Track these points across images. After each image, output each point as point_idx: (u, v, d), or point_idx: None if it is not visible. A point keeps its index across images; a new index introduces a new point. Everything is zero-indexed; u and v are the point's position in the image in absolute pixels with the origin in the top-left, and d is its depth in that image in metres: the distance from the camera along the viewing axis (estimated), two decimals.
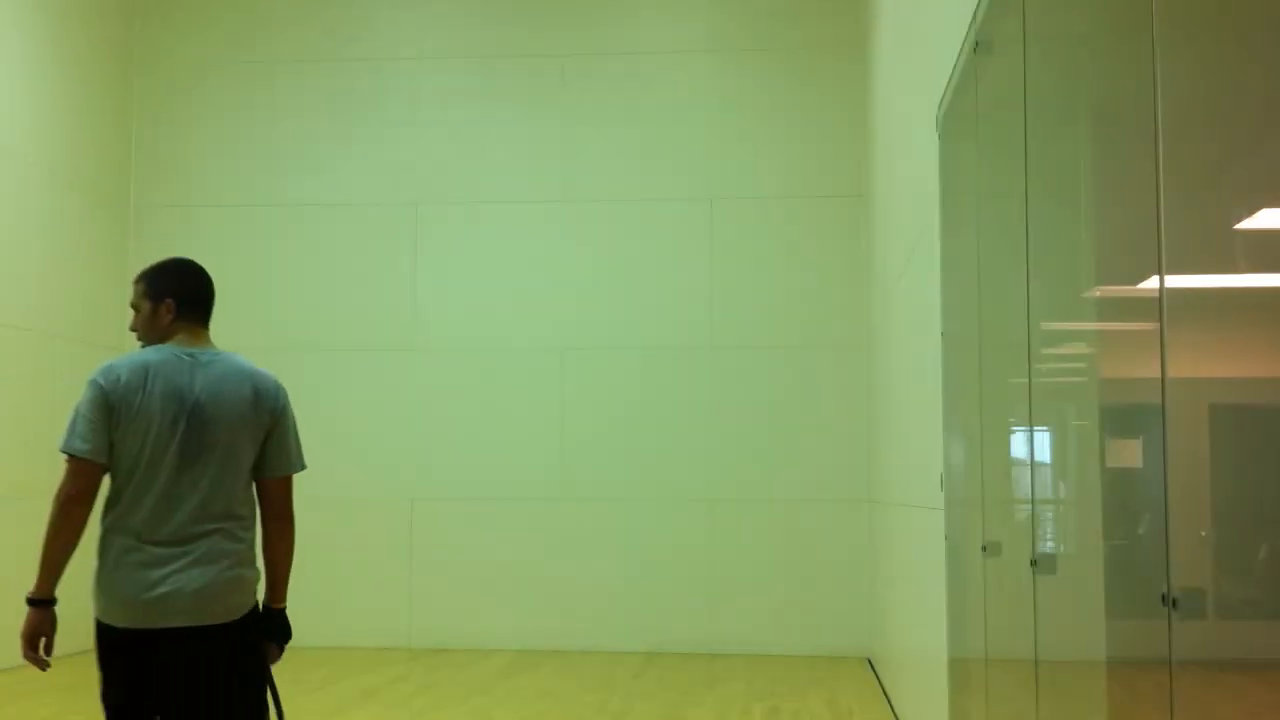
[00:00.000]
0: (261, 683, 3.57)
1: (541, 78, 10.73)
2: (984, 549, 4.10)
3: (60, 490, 3.47)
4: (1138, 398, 2.62)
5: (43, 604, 3.63)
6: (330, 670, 9.11)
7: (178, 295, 3.71)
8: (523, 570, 10.29)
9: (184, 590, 3.38)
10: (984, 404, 4.32)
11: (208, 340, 3.73)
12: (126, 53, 10.93)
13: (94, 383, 3.41)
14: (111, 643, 3.53)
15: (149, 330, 3.65)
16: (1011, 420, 3.91)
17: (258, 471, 3.56)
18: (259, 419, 3.57)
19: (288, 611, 3.68)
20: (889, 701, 7.86)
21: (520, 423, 10.43)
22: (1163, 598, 2.25)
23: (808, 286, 10.36)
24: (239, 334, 10.90)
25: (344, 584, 10.42)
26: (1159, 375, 2.27)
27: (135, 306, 3.70)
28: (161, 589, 3.40)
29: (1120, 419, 2.85)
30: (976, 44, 4.17)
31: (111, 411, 3.39)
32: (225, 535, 3.45)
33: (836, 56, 10.48)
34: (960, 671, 4.93)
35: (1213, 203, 2.24)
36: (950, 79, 4.81)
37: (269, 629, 3.61)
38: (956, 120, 4.85)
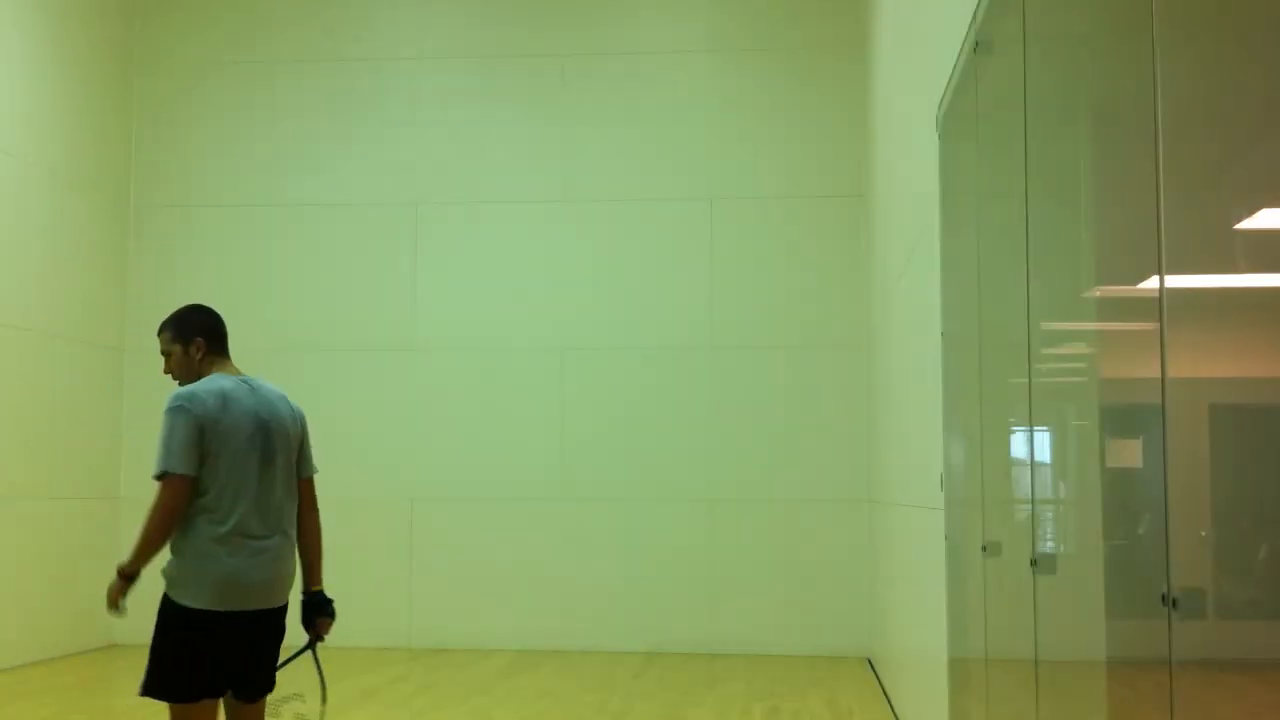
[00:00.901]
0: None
1: (541, 78, 10.73)
2: (984, 549, 4.10)
3: (164, 502, 4.00)
4: (1138, 398, 2.62)
5: (131, 578, 4.17)
6: (330, 670, 9.09)
7: (205, 334, 4.31)
8: (523, 570, 10.29)
9: (268, 578, 4.06)
10: (984, 404, 4.32)
11: (235, 368, 4.31)
12: (127, 53, 10.93)
13: (183, 409, 4.04)
14: (193, 622, 4.02)
15: (185, 370, 4.30)
16: (1011, 420, 3.91)
17: (297, 473, 4.26)
18: (295, 431, 4.25)
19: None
20: (889, 701, 7.86)
21: (520, 423, 10.43)
22: (1163, 598, 2.25)
23: (808, 286, 10.36)
24: (239, 334, 10.88)
25: (344, 584, 10.36)
26: (1159, 375, 2.27)
27: (167, 353, 4.38)
28: (255, 576, 4.02)
29: (1120, 419, 2.85)
30: (976, 44, 4.17)
31: (202, 433, 4.00)
32: (287, 533, 4.17)
33: (836, 56, 10.48)
34: (960, 671, 4.93)
35: (1213, 202, 2.24)
36: (950, 79, 4.81)
37: (321, 608, 4.39)
38: (956, 120, 4.85)
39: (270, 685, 4.23)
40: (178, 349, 4.31)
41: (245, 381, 4.20)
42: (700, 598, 10.12)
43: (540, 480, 10.37)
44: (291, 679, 4.51)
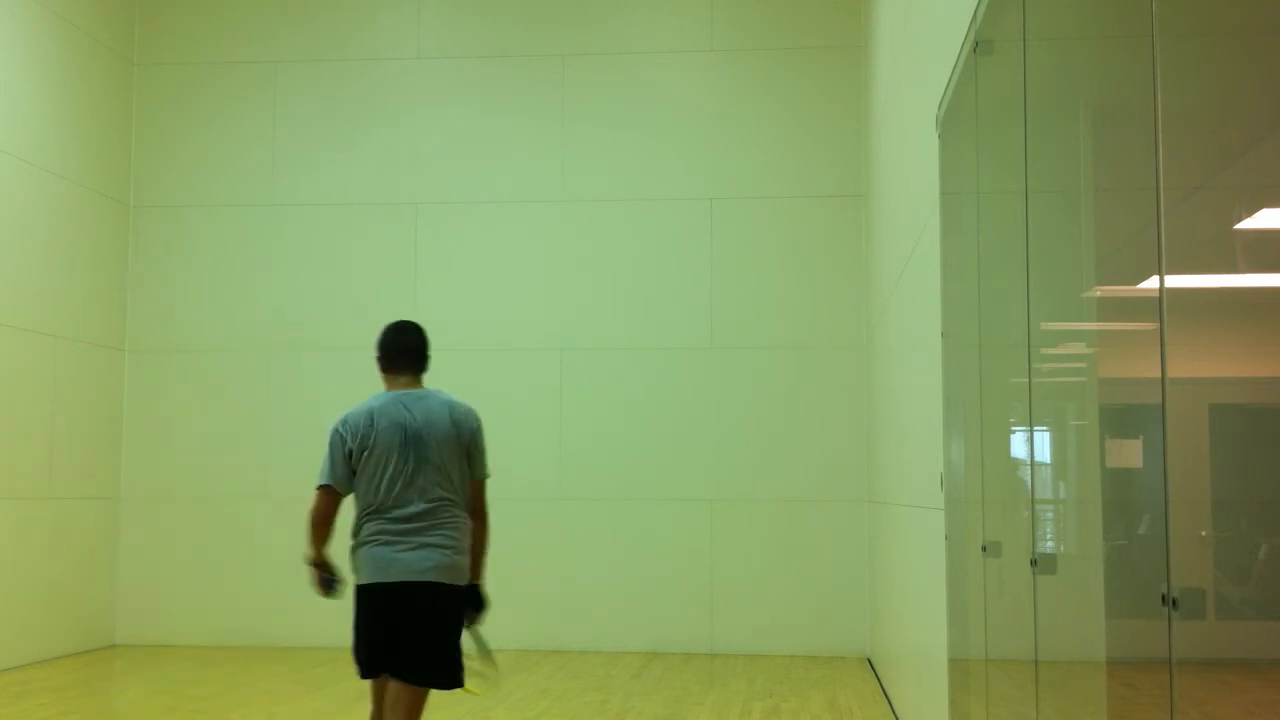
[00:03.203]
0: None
1: (541, 78, 10.73)
2: (984, 549, 4.10)
3: (313, 506, 4.73)
4: (1138, 398, 2.62)
5: (317, 564, 4.80)
6: (329, 670, 9.11)
7: (382, 352, 4.89)
8: (522, 570, 10.28)
9: (408, 565, 4.56)
10: (984, 404, 4.33)
11: (415, 383, 4.86)
12: (127, 53, 10.93)
13: (336, 431, 4.69)
14: (358, 598, 4.66)
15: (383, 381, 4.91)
16: (1011, 420, 3.91)
17: (462, 474, 4.72)
18: (450, 439, 4.70)
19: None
20: (889, 702, 7.86)
21: (520, 423, 10.43)
22: (1163, 598, 2.25)
23: (808, 286, 10.36)
24: (239, 334, 10.93)
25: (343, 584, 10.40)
26: (1159, 375, 2.27)
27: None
28: (397, 563, 4.57)
29: (1120, 419, 2.85)
30: (976, 44, 4.17)
31: (349, 451, 4.65)
32: (434, 527, 4.62)
33: (836, 56, 10.48)
34: (960, 672, 4.93)
35: (1213, 202, 2.24)
36: (950, 79, 4.81)
37: (470, 600, 4.79)
38: (956, 120, 4.85)
39: (422, 672, 4.59)
40: (378, 364, 4.92)
41: (403, 395, 4.75)
42: (700, 598, 10.12)
43: (540, 480, 10.37)
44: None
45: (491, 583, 10.68)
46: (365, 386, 10.54)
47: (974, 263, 4.44)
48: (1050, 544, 3.40)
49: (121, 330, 10.78)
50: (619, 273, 10.50)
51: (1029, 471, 3.66)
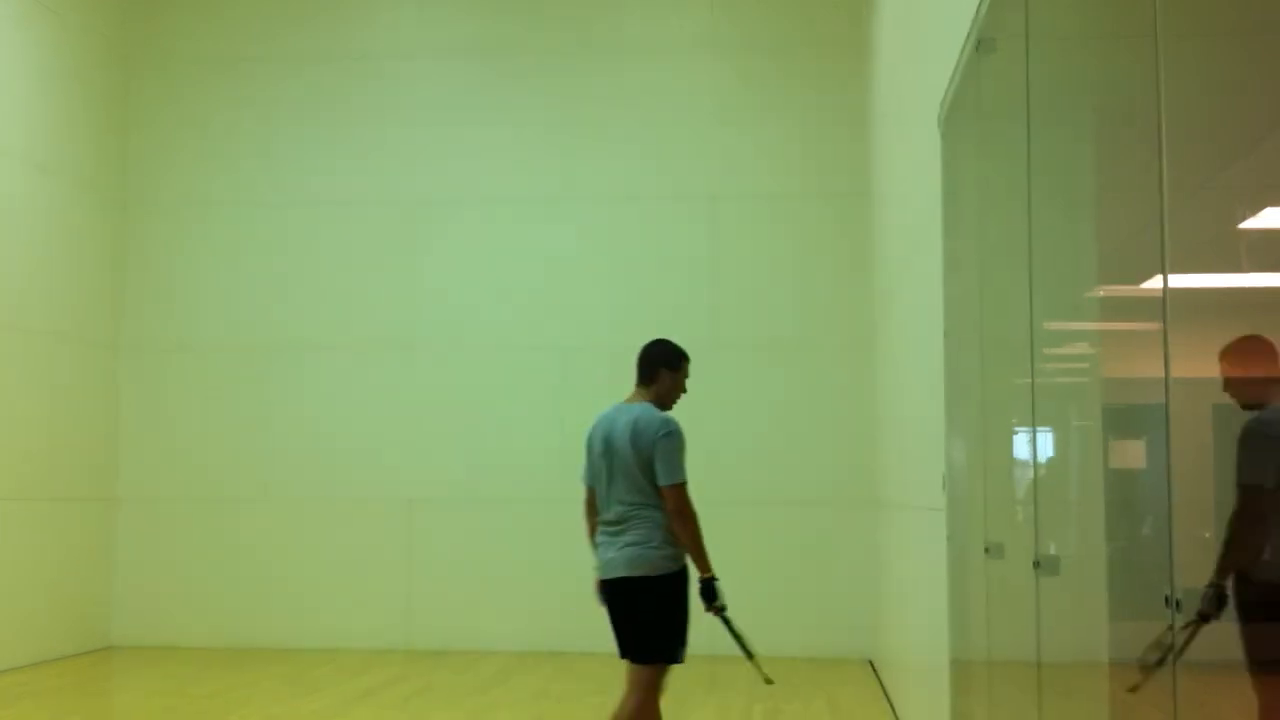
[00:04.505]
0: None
1: (542, 77, 10.72)
2: (986, 550, 4.09)
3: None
4: (1141, 398, 2.61)
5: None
6: (329, 671, 9.10)
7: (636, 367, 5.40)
8: (522, 571, 10.28)
9: (610, 558, 5.16)
10: (986, 404, 4.32)
11: (638, 395, 5.34)
12: (126, 52, 10.92)
13: (586, 434, 5.35)
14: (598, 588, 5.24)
15: None
16: (1014, 421, 3.90)
17: (653, 480, 5.13)
18: (638, 447, 5.10)
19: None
20: (890, 703, 7.85)
21: (520, 423, 10.42)
22: (1166, 599, 2.24)
23: (808, 286, 10.34)
24: (238, 333, 10.91)
25: (342, 585, 10.41)
26: (1162, 375, 2.26)
27: None
28: (603, 555, 5.22)
29: (1123, 419, 2.84)
30: (978, 42, 4.16)
31: (586, 451, 5.37)
32: (631, 524, 5.12)
33: (836, 56, 10.47)
34: (962, 673, 4.92)
35: (1216, 202, 2.23)
36: (952, 78, 4.80)
37: (702, 593, 5.21)
38: (958, 119, 4.84)
39: (636, 652, 5.20)
40: None
41: (622, 406, 5.29)
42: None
43: (540, 480, 10.35)
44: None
45: (490, 584, 10.69)
46: (365, 386, 10.59)
47: (976, 262, 4.43)
48: (1053, 545, 3.39)
49: (119, 329, 10.77)
50: (619, 273, 10.49)
51: (1031, 472, 3.65)
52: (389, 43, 10.88)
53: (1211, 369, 2.31)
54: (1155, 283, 2.28)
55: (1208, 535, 2.30)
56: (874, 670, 9.25)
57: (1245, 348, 2.32)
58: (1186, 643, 2.93)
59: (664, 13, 10.75)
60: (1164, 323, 2.24)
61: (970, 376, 4.57)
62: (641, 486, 5.11)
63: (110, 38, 10.71)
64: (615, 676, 8.97)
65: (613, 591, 5.18)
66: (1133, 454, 2.76)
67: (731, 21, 10.65)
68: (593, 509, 5.35)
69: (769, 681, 5.48)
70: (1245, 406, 2.35)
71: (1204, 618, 2.80)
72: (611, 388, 10.57)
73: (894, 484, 7.86)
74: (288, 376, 10.65)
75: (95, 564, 10.36)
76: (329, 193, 10.77)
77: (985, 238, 4.31)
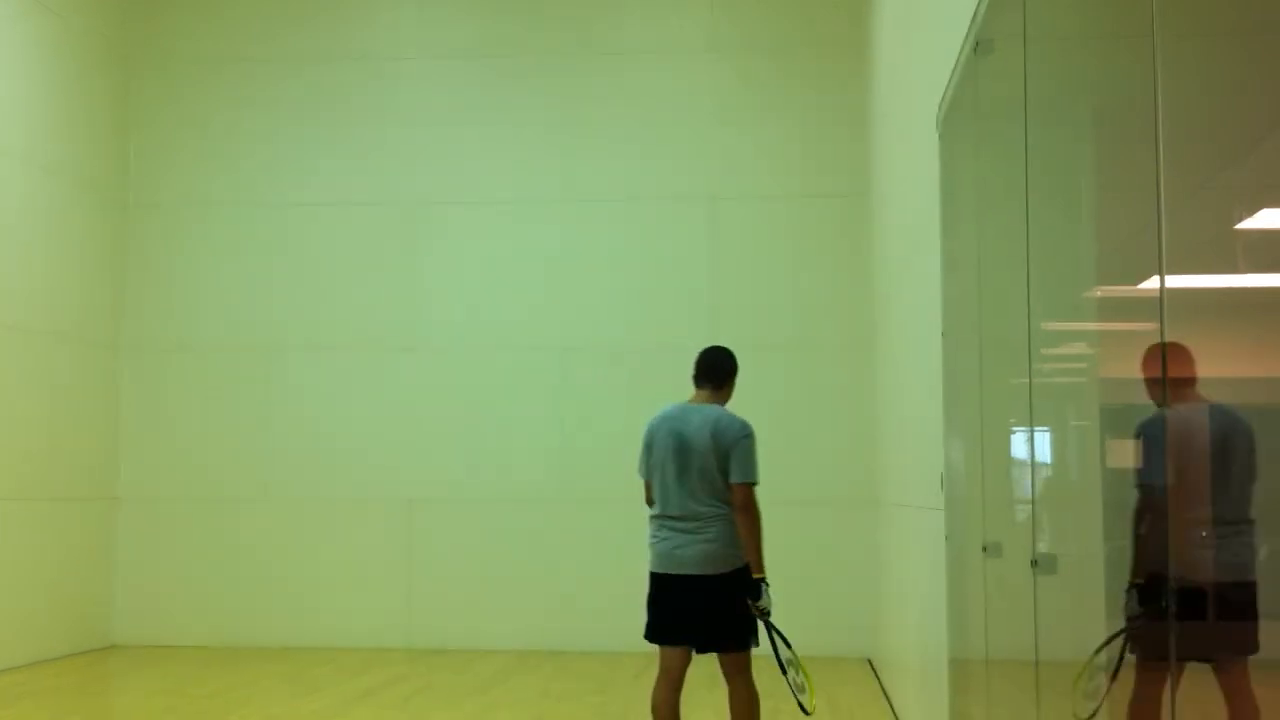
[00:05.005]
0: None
1: (542, 77, 10.73)
2: (984, 549, 4.09)
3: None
4: (1139, 398, 2.62)
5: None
6: (329, 670, 9.11)
7: (695, 370, 5.65)
8: (522, 570, 10.28)
9: (674, 551, 5.34)
10: (984, 404, 4.32)
11: (707, 398, 5.56)
12: (126, 52, 10.92)
13: (646, 430, 5.50)
14: (651, 582, 5.49)
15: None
16: (1012, 420, 3.91)
17: (726, 479, 5.34)
18: (708, 446, 5.32)
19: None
20: (889, 702, 7.85)
21: (520, 423, 10.42)
22: (1163, 598, 2.25)
23: (808, 286, 10.35)
24: (238, 333, 10.92)
25: (343, 584, 10.42)
26: (1160, 375, 2.26)
27: None
28: (665, 548, 5.39)
29: (1121, 419, 2.85)
30: (977, 43, 4.17)
31: (647, 447, 5.48)
32: (700, 519, 5.31)
33: (836, 56, 10.48)
34: (961, 672, 4.93)
35: (1213, 202, 2.24)
36: (950, 79, 4.81)
37: (748, 589, 5.37)
38: (957, 120, 4.84)
39: (716, 643, 5.37)
40: None
41: (689, 407, 5.48)
42: None
43: (540, 480, 10.36)
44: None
45: (491, 583, 10.69)
46: (365, 386, 10.60)
47: (974, 263, 4.43)
48: (1051, 544, 3.40)
49: (118, 329, 10.77)
50: (619, 273, 10.49)
51: (1029, 472, 3.65)
52: (389, 43, 10.88)
53: (1210, 369, 2.32)
54: (1153, 283, 2.29)
55: (1204, 534, 2.31)
56: (873, 669, 9.25)
57: (1151, 353, 2.40)
58: (1112, 642, 2.97)
59: (664, 13, 10.76)
60: (1161, 323, 2.25)
61: (969, 376, 4.58)
62: (718, 487, 5.34)
63: (110, 38, 10.71)
64: (615, 676, 8.99)
65: (682, 586, 5.33)
66: (1130, 453, 2.76)
67: (731, 22, 10.66)
68: (647, 500, 5.55)
69: (806, 711, 5.49)
70: (1159, 407, 2.42)
71: (1132, 620, 2.85)
72: (611, 388, 10.63)
73: (893, 484, 7.87)
74: (288, 376, 10.66)
75: (95, 564, 10.36)
76: (329, 193, 10.77)
77: (984, 238, 4.32)
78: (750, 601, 5.37)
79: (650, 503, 5.53)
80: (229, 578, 10.46)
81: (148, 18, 11.02)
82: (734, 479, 5.35)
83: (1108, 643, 2.94)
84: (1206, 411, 2.49)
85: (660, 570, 5.43)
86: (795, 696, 5.43)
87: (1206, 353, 2.29)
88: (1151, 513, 2.81)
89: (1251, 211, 2.10)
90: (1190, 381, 2.29)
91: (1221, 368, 2.32)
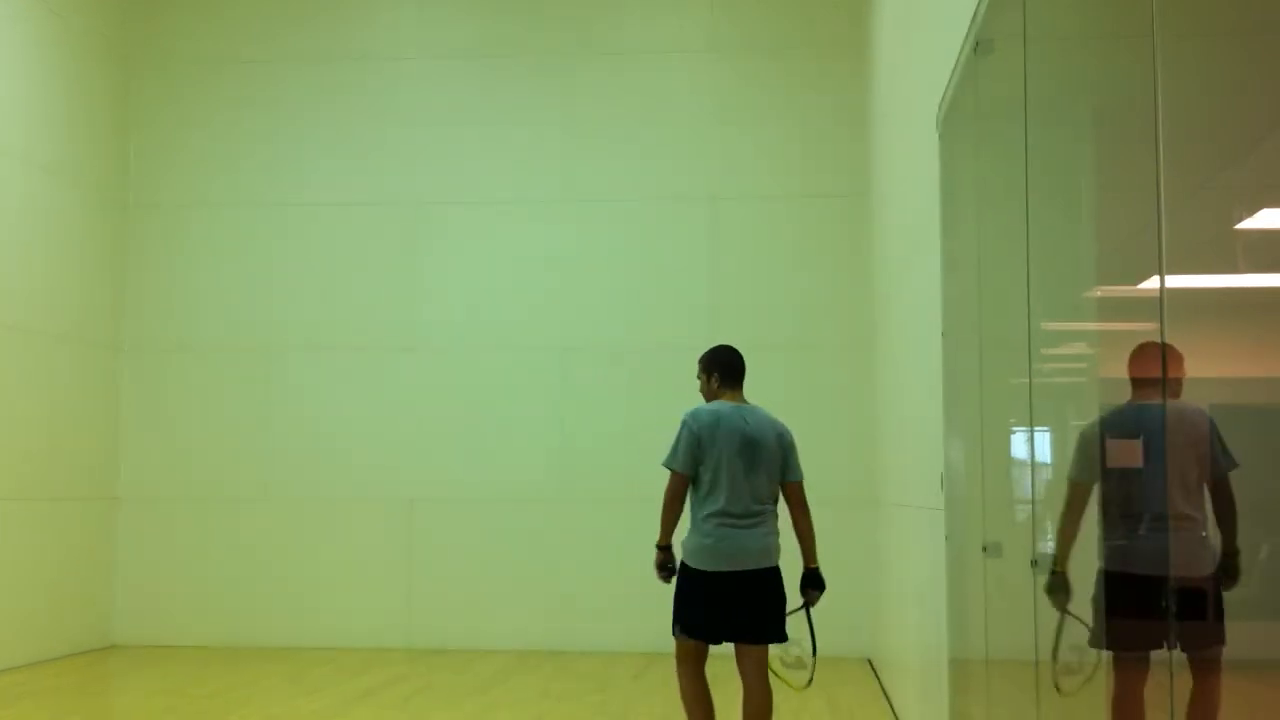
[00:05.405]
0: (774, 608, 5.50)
1: (542, 77, 10.73)
2: (984, 549, 4.09)
3: (667, 489, 5.45)
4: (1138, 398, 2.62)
5: (664, 549, 5.55)
6: (329, 670, 9.11)
7: (720, 370, 5.68)
8: (522, 570, 10.28)
9: (738, 549, 5.36)
10: (984, 404, 4.32)
11: (743, 398, 5.66)
12: (126, 52, 10.92)
13: (686, 424, 5.47)
14: (694, 579, 5.40)
15: (705, 393, 5.72)
16: (1012, 420, 3.91)
17: (781, 478, 5.54)
18: (775, 447, 5.49)
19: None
20: (889, 702, 7.85)
21: (520, 423, 10.42)
22: (1163, 597, 2.25)
23: (808, 286, 10.35)
24: (238, 333, 10.92)
25: (343, 584, 10.42)
26: (1159, 375, 2.26)
27: (699, 377, 5.77)
28: (727, 546, 5.36)
29: (1121, 419, 2.84)
30: (977, 44, 4.17)
31: (698, 442, 5.41)
32: (761, 517, 5.43)
33: (836, 56, 10.48)
34: (961, 672, 4.93)
35: (1213, 202, 2.24)
36: (950, 79, 4.81)
37: (811, 581, 5.68)
38: (957, 120, 4.84)
39: (766, 635, 5.45)
40: (703, 378, 5.72)
41: (739, 407, 5.53)
42: None
43: (540, 480, 10.36)
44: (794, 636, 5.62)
45: (491, 583, 10.69)
46: (365, 386, 10.60)
47: (974, 262, 4.43)
48: (1051, 544, 3.40)
49: (119, 330, 10.77)
50: (619, 273, 10.49)
51: (1029, 472, 3.65)
52: (389, 43, 10.88)
53: (1209, 369, 2.32)
54: (1153, 283, 2.29)
55: (1204, 534, 2.31)
56: (873, 669, 9.25)
57: (1135, 353, 2.45)
58: (1057, 636, 3.02)
59: (664, 13, 10.76)
60: (1161, 323, 2.25)
61: (969, 376, 4.58)
62: (775, 484, 5.52)
63: (110, 38, 10.71)
64: (615, 676, 8.99)
65: (745, 580, 5.38)
66: (1130, 453, 2.76)
67: (731, 22, 10.65)
68: (682, 494, 5.46)
69: (808, 684, 5.74)
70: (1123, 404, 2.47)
71: (1062, 607, 2.93)
72: (611, 387, 10.63)
73: (893, 484, 7.87)
74: (288, 376, 10.66)
75: (95, 564, 10.36)
76: (329, 193, 10.77)
77: (984, 238, 4.32)
78: (815, 592, 5.67)
79: (677, 497, 5.46)
80: (229, 578, 10.46)
81: (148, 18, 11.02)
82: (794, 477, 5.56)
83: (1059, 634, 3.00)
84: (1135, 410, 2.55)
85: (720, 569, 5.36)
86: (811, 675, 5.68)
87: (1207, 353, 2.29)
88: (1071, 505, 2.93)
89: (1251, 211, 2.10)
90: (1153, 381, 2.32)
91: (1221, 368, 2.32)
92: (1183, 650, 2.26)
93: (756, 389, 11.06)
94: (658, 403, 10.34)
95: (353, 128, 10.81)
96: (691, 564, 5.41)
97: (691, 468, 5.42)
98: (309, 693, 8.13)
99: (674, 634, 5.51)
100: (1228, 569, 2.26)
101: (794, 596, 5.63)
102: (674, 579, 5.52)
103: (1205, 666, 2.27)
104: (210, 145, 10.90)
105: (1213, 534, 2.35)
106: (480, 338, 10.53)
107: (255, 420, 10.60)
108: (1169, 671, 2.27)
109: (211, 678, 8.71)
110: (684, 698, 5.63)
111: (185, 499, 10.58)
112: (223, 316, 10.76)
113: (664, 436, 10.46)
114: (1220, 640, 2.25)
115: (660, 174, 10.55)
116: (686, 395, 10.40)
